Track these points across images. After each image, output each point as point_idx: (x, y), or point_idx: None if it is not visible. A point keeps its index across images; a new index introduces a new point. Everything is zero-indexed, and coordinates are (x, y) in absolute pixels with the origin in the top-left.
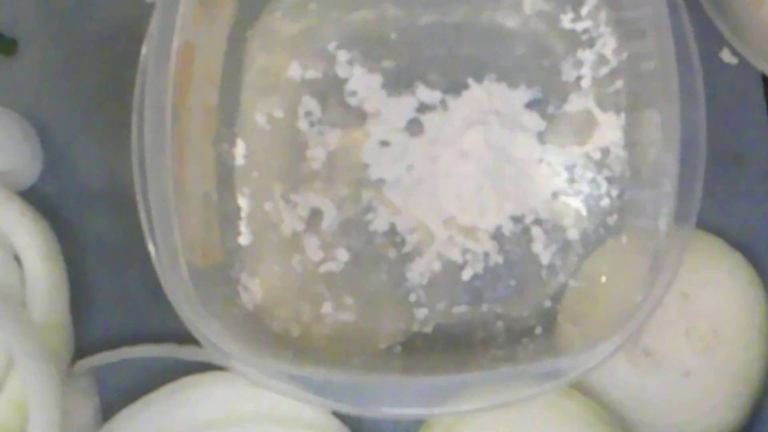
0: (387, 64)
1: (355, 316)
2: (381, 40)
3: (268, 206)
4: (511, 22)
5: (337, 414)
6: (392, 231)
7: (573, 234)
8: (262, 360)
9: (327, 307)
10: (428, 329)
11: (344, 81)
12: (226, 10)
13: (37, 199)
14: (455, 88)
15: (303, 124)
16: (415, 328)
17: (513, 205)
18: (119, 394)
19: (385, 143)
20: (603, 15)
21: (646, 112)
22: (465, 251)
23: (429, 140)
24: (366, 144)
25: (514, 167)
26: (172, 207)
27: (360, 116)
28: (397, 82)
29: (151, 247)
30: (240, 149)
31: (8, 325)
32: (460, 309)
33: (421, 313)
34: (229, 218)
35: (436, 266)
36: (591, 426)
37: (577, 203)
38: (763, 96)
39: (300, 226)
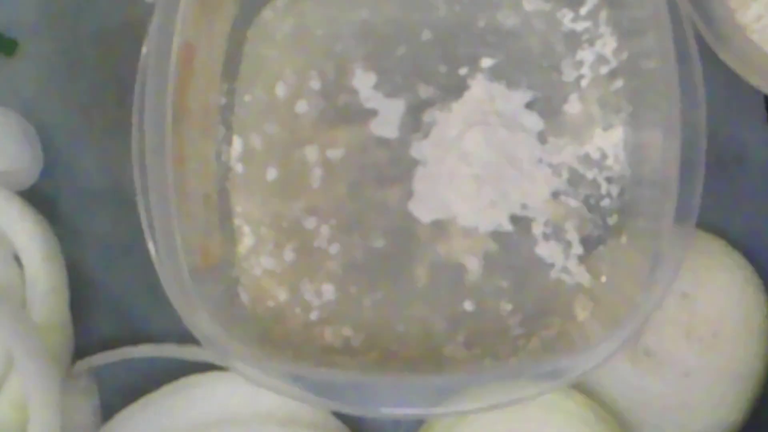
0: (387, 63)
1: (354, 316)
2: (381, 40)
3: (267, 206)
4: (511, 22)
5: (337, 414)
6: (392, 231)
7: (573, 234)
8: (262, 360)
9: (327, 307)
10: (428, 329)
11: (344, 81)
12: (226, 10)
13: (37, 199)
14: (455, 88)
15: (303, 123)
16: (416, 327)
17: (513, 205)
18: (119, 394)
19: (384, 143)
20: (603, 15)
21: (646, 112)
22: (465, 251)
23: (429, 140)
24: (366, 143)
25: (514, 167)
26: (172, 207)
27: (360, 116)
28: (397, 82)
29: (151, 247)
30: (239, 149)
31: (8, 325)
32: (460, 309)
33: (421, 313)
34: (229, 218)
35: (437, 266)
36: (591, 426)
37: (577, 203)
38: (763, 96)
39: (300, 226)
